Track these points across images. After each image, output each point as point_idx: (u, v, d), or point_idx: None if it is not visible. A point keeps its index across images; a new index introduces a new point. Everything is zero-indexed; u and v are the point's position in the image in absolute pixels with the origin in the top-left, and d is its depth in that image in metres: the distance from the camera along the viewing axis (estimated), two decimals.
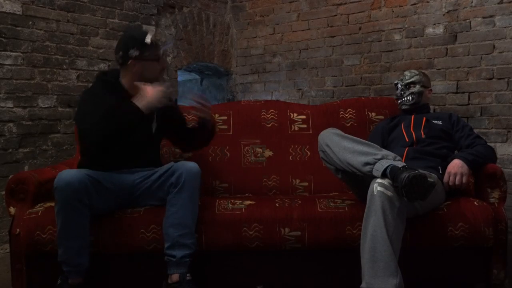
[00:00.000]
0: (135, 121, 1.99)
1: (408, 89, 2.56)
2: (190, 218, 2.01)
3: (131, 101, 2.01)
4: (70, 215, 1.90)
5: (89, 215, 1.95)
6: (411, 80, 2.56)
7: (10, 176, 2.41)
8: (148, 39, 2.12)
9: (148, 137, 2.21)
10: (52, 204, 1.99)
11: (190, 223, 2.01)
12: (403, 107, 2.58)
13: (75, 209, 1.90)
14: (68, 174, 1.91)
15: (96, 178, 1.98)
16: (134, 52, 2.09)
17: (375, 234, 1.80)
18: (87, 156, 2.15)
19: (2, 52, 2.97)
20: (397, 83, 2.62)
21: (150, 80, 2.15)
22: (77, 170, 1.98)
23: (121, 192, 2.08)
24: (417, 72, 2.61)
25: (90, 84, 3.36)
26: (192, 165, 2.04)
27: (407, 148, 2.37)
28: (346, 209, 2.10)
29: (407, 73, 2.62)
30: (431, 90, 2.65)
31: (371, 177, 1.89)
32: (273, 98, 4.24)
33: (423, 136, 2.41)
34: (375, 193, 1.82)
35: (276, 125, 2.70)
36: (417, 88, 2.55)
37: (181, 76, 4.75)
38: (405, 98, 2.56)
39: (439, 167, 2.26)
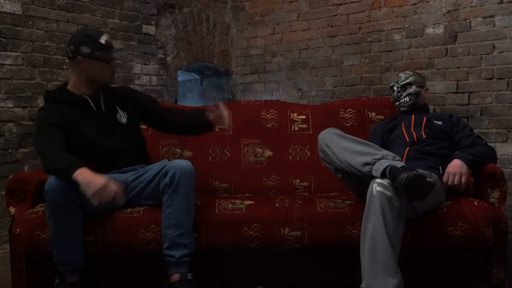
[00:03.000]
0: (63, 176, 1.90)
1: (405, 90, 2.57)
2: (186, 218, 2.00)
3: (74, 173, 1.83)
4: (62, 217, 1.90)
5: (82, 214, 1.95)
6: (407, 81, 2.57)
7: (10, 176, 2.41)
8: (102, 39, 2.12)
9: (120, 131, 2.19)
10: None
11: (187, 223, 2.00)
12: (402, 108, 2.58)
13: (67, 210, 1.90)
14: (59, 177, 1.89)
15: None
16: (85, 49, 2.08)
17: (374, 234, 1.80)
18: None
19: (2, 52, 2.97)
20: (392, 86, 2.63)
21: (98, 82, 2.15)
22: None
23: None
24: (411, 73, 2.62)
25: None
26: (185, 163, 2.02)
27: (407, 148, 2.37)
28: (346, 209, 2.10)
29: (401, 74, 2.63)
30: (427, 89, 2.66)
31: (370, 177, 1.89)
32: (273, 98, 4.24)
33: (424, 136, 2.41)
34: (375, 193, 1.82)
35: (276, 125, 2.70)
36: (413, 88, 2.55)
37: (181, 76, 4.75)
38: (403, 100, 2.57)
39: (440, 167, 2.26)
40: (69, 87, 2.16)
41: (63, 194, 1.87)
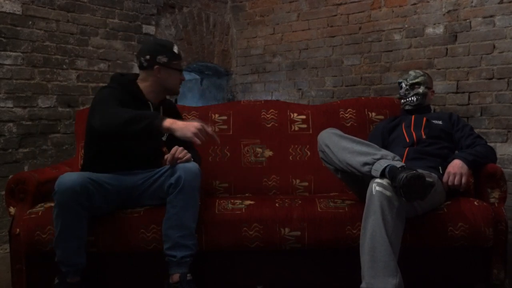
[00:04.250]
0: (153, 138, 1.98)
1: (413, 89, 2.54)
2: (190, 219, 2.00)
3: (161, 118, 1.91)
4: (70, 219, 1.90)
5: (88, 216, 1.95)
6: (417, 80, 2.54)
7: (10, 176, 2.41)
8: (175, 49, 2.19)
9: (157, 144, 2.24)
10: (52, 204, 1.98)
11: (191, 224, 2.00)
12: (407, 107, 2.56)
13: (75, 212, 1.90)
14: (70, 178, 1.90)
15: (98, 181, 1.98)
16: (162, 58, 2.14)
17: (374, 234, 1.80)
18: (92, 158, 2.15)
19: (2, 52, 2.97)
20: (401, 82, 2.59)
21: (169, 90, 2.22)
22: (78, 174, 1.97)
23: (123, 192, 2.09)
24: (422, 73, 2.59)
25: (90, 85, 3.41)
26: (191, 165, 2.03)
27: (407, 148, 2.37)
28: (346, 209, 2.10)
29: (412, 72, 2.59)
30: (433, 91, 2.65)
31: (370, 177, 1.89)
32: (273, 98, 4.24)
33: (424, 136, 2.40)
34: (374, 193, 1.82)
35: (276, 125, 2.70)
36: (421, 89, 2.53)
37: None
38: (410, 99, 2.54)
39: (440, 167, 2.26)
40: (140, 85, 2.18)
41: (73, 196, 1.87)
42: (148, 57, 2.14)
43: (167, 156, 2.07)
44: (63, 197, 1.87)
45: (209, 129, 1.93)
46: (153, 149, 2.25)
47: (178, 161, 2.05)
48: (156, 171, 2.13)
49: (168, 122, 1.90)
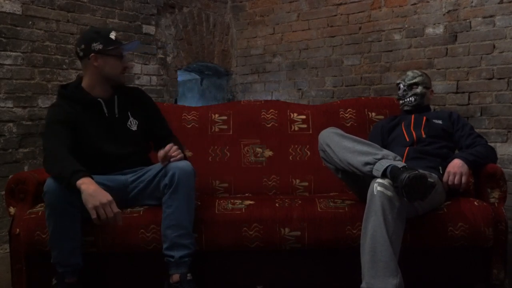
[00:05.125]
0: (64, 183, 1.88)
1: (411, 89, 2.53)
2: (186, 219, 1.99)
3: (77, 178, 1.82)
4: (61, 219, 1.89)
5: (81, 216, 1.93)
6: (414, 80, 2.54)
7: (10, 176, 2.41)
8: (112, 35, 2.12)
9: (128, 137, 2.18)
10: None
11: (187, 223, 2.00)
12: (405, 107, 2.56)
13: (66, 212, 1.89)
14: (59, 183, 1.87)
15: None
16: (97, 46, 2.08)
17: (375, 234, 1.80)
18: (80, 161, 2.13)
19: (2, 52, 2.97)
20: (399, 83, 2.59)
21: (111, 78, 2.14)
22: None
23: (114, 192, 2.05)
24: (420, 73, 2.58)
25: None
26: (185, 164, 2.01)
27: (407, 148, 2.37)
28: (346, 209, 2.10)
29: (409, 73, 2.59)
30: (432, 91, 2.64)
31: (371, 177, 1.89)
32: (273, 98, 4.24)
33: (424, 136, 2.40)
34: (375, 193, 1.82)
35: (276, 125, 2.69)
36: (420, 89, 2.53)
37: (181, 76, 4.75)
38: (408, 99, 2.54)
39: (440, 167, 2.25)
40: (84, 86, 2.14)
41: (62, 196, 1.86)
42: (83, 46, 2.09)
43: (161, 153, 2.05)
44: (52, 197, 1.86)
45: (116, 211, 1.80)
46: (129, 142, 2.18)
47: (172, 159, 2.04)
48: (147, 169, 2.12)
49: (81, 183, 1.79)
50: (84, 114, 2.09)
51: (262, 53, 4.36)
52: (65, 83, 2.26)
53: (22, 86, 3.07)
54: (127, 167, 2.16)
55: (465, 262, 2.15)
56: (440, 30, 3.38)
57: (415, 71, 2.62)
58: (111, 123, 2.15)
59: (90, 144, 2.09)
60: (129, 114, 2.21)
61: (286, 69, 4.20)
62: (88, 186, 1.79)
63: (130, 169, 2.16)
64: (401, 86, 2.56)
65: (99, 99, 2.13)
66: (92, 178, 1.84)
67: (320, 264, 2.16)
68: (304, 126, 2.70)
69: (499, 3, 3.14)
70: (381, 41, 3.67)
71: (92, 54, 2.08)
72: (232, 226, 2.07)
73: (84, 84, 2.14)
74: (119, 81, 2.20)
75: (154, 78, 3.88)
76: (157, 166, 2.09)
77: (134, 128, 2.20)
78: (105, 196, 1.79)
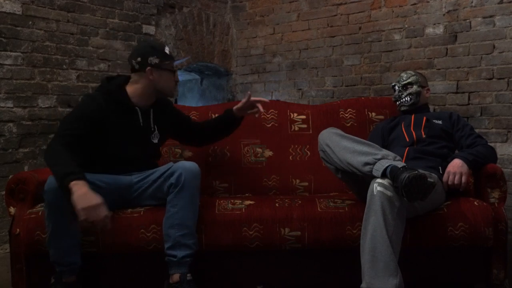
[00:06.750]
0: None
1: (406, 89, 2.57)
2: (191, 219, 2.01)
3: (70, 180, 1.80)
4: (60, 218, 1.90)
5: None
6: (408, 80, 2.57)
7: (10, 176, 2.41)
8: (167, 50, 2.17)
9: (149, 148, 2.22)
10: None
11: (191, 223, 2.01)
12: (402, 108, 2.58)
13: (66, 211, 1.88)
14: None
15: (90, 179, 1.94)
16: (154, 60, 2.11)
17: (375, 234, 1.80)
18: (86, 160, 2.14)
19: (2, 52, 2.97)
20: (394, 85, 2.63)
21: (163, 92, 2.19)
22: None
23: (118, 191, 2.07)
24: (413, 73, 2.62)
25: (90, 85, 3.41)
26: (191, 165, 2.04)
27: (407, 148, 2.37)
28: (346, 209, 2.10)
29: (403, 74, 2.63)
30: (429, 89, 2.65)
31: (371, 177, 1.89)
32: (273, 98, 4.24)
33: (424, 136, 2.40)
34: (375, 193, 1.82)
35: (276, 125, 2.70)
36: (414, 88, 2.55)
37: (181, 76, 4.75)
38: (404, 99, 2.56)
39: (440, 167, 2.26)
40: (128, 90, 2.15)
41: (62, 195, 1.86)
42: (139, 59, 2.12)
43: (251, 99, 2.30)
44: (53, 196, 1.87)
45: (104, 214, 1.78)
46: (147, 152, 2.23)
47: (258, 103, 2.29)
48: (152, 170, 2.13)
49: (73, 184, 1.77)
50: (117, 116, 2.09)
51: (262, 53, 4.36)
52: (108, 76, 2.27)
53: (22, 86, 3.07)
54: (135, 170, 2.17)
55: (465, 262, 2.15)
56: (440, 30, 3.38)
57: (409, 71, 2.66)
58: (140, 133, 2.18)
59: (114, 146, 2.10)
60: (156, 128, 2.23)
61: (286, 69, 4.20)
62: (79, 187, 1.79)
63: (137, 171, 2.17)
64: (396, 87, 2.61)
65: (137, 107, 2.16)
66: (86, 180, 1.83)
67: (320, 264, 2.16)
68: (304, 126, 2.70)
69: (499, 3, 3.14)
70: (381, 41, 3.67)
71: (149, 67, 2.11)
72: (232, 226, 2.07)
73: (130, 90, 2.15)
74: (171, 95, 2.28)
75: None
76: (163, 168, 2.10)
77: (155, 141, 2.24)
78: (95, 199, 1.79)
